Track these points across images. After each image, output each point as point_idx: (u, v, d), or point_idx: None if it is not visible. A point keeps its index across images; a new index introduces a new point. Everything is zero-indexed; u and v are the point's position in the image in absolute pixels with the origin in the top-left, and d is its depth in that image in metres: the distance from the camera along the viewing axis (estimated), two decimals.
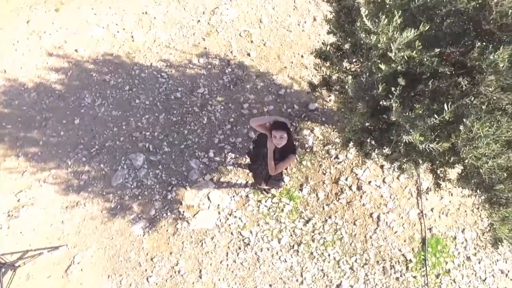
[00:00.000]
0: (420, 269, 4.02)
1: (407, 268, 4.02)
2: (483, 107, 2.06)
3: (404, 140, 2.25)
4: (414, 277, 3.99)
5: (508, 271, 4.01)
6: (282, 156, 3.12)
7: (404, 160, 2.71)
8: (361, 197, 4.27)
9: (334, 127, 4.51)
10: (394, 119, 2.11)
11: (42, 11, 5.58)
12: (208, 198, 4.28)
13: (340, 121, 2.82)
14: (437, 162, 2.61)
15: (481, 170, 2.01)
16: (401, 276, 4.00)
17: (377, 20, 1.88)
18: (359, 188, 4.30)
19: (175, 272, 3.99)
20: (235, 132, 4.63)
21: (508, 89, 1.96)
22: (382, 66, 1.95)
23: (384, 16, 1.81)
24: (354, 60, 2.46)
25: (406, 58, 1.91)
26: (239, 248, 4.09)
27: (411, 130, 2.13)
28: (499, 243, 2.37)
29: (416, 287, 3.94)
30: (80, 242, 4.09)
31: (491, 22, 1.86)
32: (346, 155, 4.42)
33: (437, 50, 1.84)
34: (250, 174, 4.26)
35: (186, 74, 5.04)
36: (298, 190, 4.32)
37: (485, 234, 4.14)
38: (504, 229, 2.19)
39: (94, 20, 5.50)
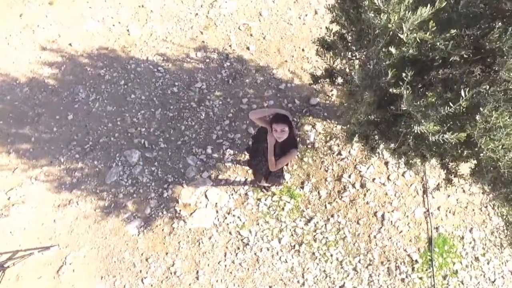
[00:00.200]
0: (426, 270, 3.87)
1: (413, 269, 3.87)
2: (501, 95, 1.90)
3: (414, 132, 2.09)
4: (420, 278, 3.83)
5: None
6: (283, 151, 2.96)
7: (412, 155, 2.55)
8: (364, 195, 4.11)
9: (336, 122, 4.35)
10: (404, 108, 1.95)
11: (35, 4, 5.42)
12: (206, 196, 4.12)
13: (345, 113, 2.66)
14: (448, 156, 2.44)
15: (499, 163, 1.84)
16: (406, 277, 3.84)
17: None
18: (362, 185, 4.14)
19: (171, 273, 3.83)
20: (234, 127, 4.47)
21: None
22: (393, 50, 1.79)
23: None
24: (359, 47, 2.30)
25: (418, 40, 1.75)
26: (238, 248, 3.93)
27: (422, 120, 1.97)
28: None
29: None
30: (72, 242, 3.93)
31: None
32: (349, 152, 4.26)
33: (453, 31, 1.67)
34: (250, 171, 4.10)
35: (183, 69, 4.88)
36: (299, 188, 4.16)
37: (494, 233, 3.99)
38: None
39: (89, 13, 5.33)
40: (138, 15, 5.29)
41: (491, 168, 2.00)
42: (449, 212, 4.08)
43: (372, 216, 4.05)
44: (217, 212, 4.06)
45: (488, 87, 1.95)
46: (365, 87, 2.13)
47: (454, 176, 2.43)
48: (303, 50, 4.97)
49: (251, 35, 5.10)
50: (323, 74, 3.04)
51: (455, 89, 2.03)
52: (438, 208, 4.08)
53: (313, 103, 4.54)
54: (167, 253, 3.90)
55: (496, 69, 2.07)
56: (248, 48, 4.99)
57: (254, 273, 3.85)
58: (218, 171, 4.25)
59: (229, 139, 4.41)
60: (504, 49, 1.68)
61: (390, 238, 3.97)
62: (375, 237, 3.97)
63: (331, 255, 3.90)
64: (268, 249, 3.93)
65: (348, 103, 2.58)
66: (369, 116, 2.43)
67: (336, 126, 4.39)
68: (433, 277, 3.81)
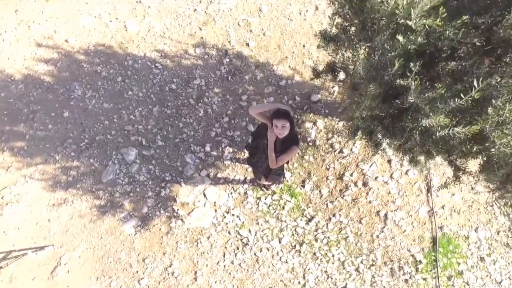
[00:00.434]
0: (430, 270, 3.76)
1: (416, 269, 3.76)
2: None
3: (421, 126, 2.00)
4: (424, 279, 3.73)
5: None
6: (283, 148, 2.86)
7: (418, 151, 2.45)
8: (367, 193, 4.00)
9: (338, 119, 4.25)
10: (412, 100, 1.85)
11: (31, 0, 5.32)
12: (204, 195, 4.02)
13: (348, 108, 2.56)
14: (456, 152, 2.34)
15: None
16: (410, 278, 3.74)
17: None
18: (365, 184, 4.04)
19: (168, 274, 3.73)
20: (233, 125, 4.37)
21: None
22: (400, 38, 1.69)
23: None
24: (363, 38, 2.20)
25: (427, 28, 1.65)
26: (237, 248, 3.83)
27: (431, 114, 1.87)
28: None
29: None
30: (67, 242, 3.83)
31: None
32: (351, 149, 4.16)
33: (464, 17, 1.57)
34: (249, 169, 4.00)
35: (181, 65, 4.78)
36: (300, 187, 4.06)
37: (500, 233, 3.89)
38: None
39: (86, 9, 5.23)
40: (136, 11, 5.20)
41: (504, 164, 1.89)
42: (454, 211, 3.98)
43: (375, 215, 3.95)
44: (215, 211, 3.96)
45: (499, 78, 1.85)
46: (369, 79, 2.03)
47: (463, 173, 2.33)
48: (304, 46, 4.87)
49: (250, 31, 5.00)
50: (325, 69, 2.93)
51: (465, 81, 1.93)
52: (443, 207, 3.98)
53: (314, 100, 4.44)
54: (164, 254, 3.80)
55: (507, 60, 1.97)
56: (247, 44, 4.89)
57: (253, 274, 3.75)
58: (217, 169, 4.15)
59: (228, 136, 4.31)
60: None
61: (393, 238, 3.87)
62: (378, 236, 3.87)
63: (333, 256, 3.80)
64: (268, 249, 3.82)
65: (351, 97, 2.47)
66: (373, 111, 2.32)
67: (337, 123, 4.28)
68: (438, 278, 3.71)
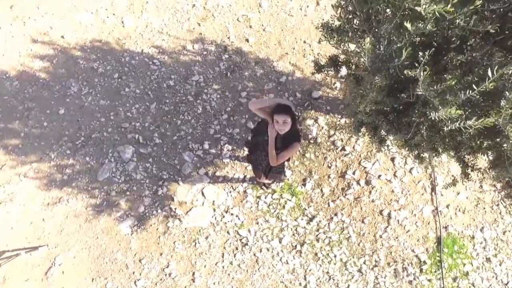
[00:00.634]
0: (435, 271, 3.66)
1: (421, 270, 3.66)
2: None
3: (429, 120, 1.90)
4: (429, 280, 3.64)
5: None
6: (284, 145, 2.76)
7: (425, 147, 2.35)
8: (370, 192, 3.90)
9: (340, 116, 4.15)
10: (420, 92, 1.75)
11: None
12: (203, 194, 3.92)
13: (351, 103, 2.46)
14: (465, 148, 2.24)
15: None
16: (414, 279, 3.64)
17: None
18: (367, 182, 3.94)
19: (165, 275, 3.63)
20: (232, 122, 4.27)
21: None
22: (408, 25, 1.59)
23: None
24: (368, 27, 2.10)
25: (437, 15, 1.55)
26: (236, 249, 3.73)
27: (440, 107, 1.77)
28: None
29: None
30: (62, 242, 3.74)
31: None
32: (353, 147, 4.05)
33: (478, 2, 1.47)
34: (249, 167, 3.90)
35: (179, 61, 4.68)
36: (301, 185, 3.96)
37: (506, 233, 3.79)
38: None
39: (82, 4, 5.13)
40: (133, 7, 5.10)
41: None
42: (459, 210, 3.88)
43: (378, 215, 3.85)
44: (214, 210, 3.86)
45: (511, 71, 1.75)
46: (375, 71, 1.93)
47: (472, 170, 2.23)
48: (304, 42, 4.77)
49: (250, 26, 4.90)
50: (327, 63, 2.83)
51: (476, 72, 1.83)
52: (447, 206, 3.88)
53: (315, 97, 4.34)
54: (161, 254, 3.70)
55: None
56: (247, 40, 4.79)
57: (253, 275, 3.65)
58: (215, 168, 4.05)
59: (227, 134, 4.21)
60: None
61: (397, 238, 3.77)
62: (381, 236, 3.77)
63: (335, 256, 3.70)
64: (268, 250, 3.72)
65: (355, 92, 2.37)
66: (379, 105, 2.22)
67: (339, 120, 4.18)
68: (443, 279, 3.61)
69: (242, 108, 4.34)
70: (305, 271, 3.67)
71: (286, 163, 3.57)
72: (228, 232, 3.79)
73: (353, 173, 3.97)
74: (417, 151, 2.51)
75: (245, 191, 3.94)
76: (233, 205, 3.89)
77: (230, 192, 3.94)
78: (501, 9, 1.73)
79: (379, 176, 3.95)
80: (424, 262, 3.68)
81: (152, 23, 4.97)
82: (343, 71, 2.90)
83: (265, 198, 3.90)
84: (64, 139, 4.22)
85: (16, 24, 5.01)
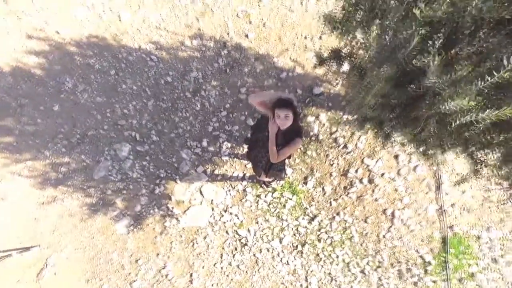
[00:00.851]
0: (440, 272, 3.56)
1: (425, 271, 3.56)
2: None
3: (439, 113, 1.79)
4: (434, 281, 3.53)
5: None
6: (286, 141, 2.65)
7: (432, 142, 2.24)
8: (373, 191, 3.80)
9: (342, 112, 4.04)
10: (430, 84, 1.65)
11: None
12: (201, 193, 3.82)
13: (356, 96, 2.36)
14: (474, 143, 2.13)
15: None
16: (419, 280, 3.53)
17: None
18: (370, 181, 3.83)
19: (162, 276, 3.53)
20: (232, 119, 4.17)
21: None
22: (417, 12, 1.49)
23: None
24: (373, 17, 2.00)
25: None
26: (235, 249, 3.62)
27: (451, 98, 1.66)
28: None
29: None
30: (55, 242, 3.63)
31: None
32: (355, 144, 3.95)
33: None
34: (248, 165, 3.80)
35: (177, 57, 4.57)
36: (302, 184, 3.85)
37: None
38: None
39: None
40: (130, 1, 4.98)
41: None
42: (464, 209, 3.78)
43: (381, 214, 3.74)
44: (213, 209, 3.76)
45: None
46: (381, 61, 1.83)
47: (482, 167, 2.13)
48: (305, 37, 4.66)
49: (250, 22, 4.79)
50: (330, 55, 2.72)
51: (489, 62, 1.72)
52: (452, 206, 3.77)
53: (316, 93, 4.23)
54: (158, 254, 3.59)
55: None
56: (246, 36, 4.69)
57: (253, 276, 3.54)
58: (214, 166, 3.95)
59: (226, 131, 4.10)
60: None
61: (400, 238, 3.67)
62: (384, 236, 3.67)
63: (337, 257, 3.59)
64: (268, 250, 3.62)
65: (359, 85, 2.27)
66: (384, 98, 2.12)
67: (341, 117, 4.08)
68: (448, 281, 3.51)
69: (241, 105, 4.24)
70: (307, 272, 3.56)
71: (286, 160, 3.47)
72: (227, 232, 3.68)
73: (356, 171, 3.87)
74: (425, 147, 2.40)
75: (244, 190, 3.83)
76: (232, 204, 3.79)
77: (229, 190, 3.83)
78: None
79: (382, 174, 3.85)
80: (429, 263, 3.58)
81: (150, 18, 4.86)
82: (345, 66, 2.79)
83: (265, 197, 3.79)
84: (59, 137, 4.12)
85: (10, 20, 4.90)
